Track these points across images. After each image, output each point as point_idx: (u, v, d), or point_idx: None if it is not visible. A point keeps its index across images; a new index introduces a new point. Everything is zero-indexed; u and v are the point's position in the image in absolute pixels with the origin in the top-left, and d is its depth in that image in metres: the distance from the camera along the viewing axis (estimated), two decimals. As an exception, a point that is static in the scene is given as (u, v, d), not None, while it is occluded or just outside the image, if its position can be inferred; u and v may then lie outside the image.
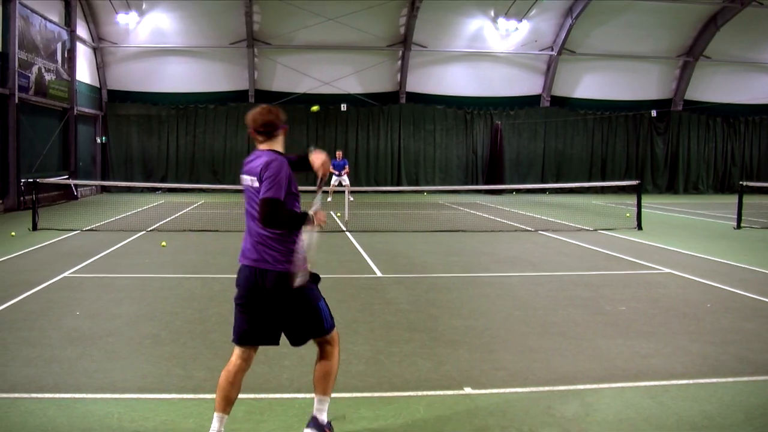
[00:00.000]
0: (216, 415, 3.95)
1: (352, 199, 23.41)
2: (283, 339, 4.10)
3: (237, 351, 3.99)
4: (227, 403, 3.95)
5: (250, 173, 3.87)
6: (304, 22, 27.03)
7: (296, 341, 4.04)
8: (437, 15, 27.63)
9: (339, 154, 24.14)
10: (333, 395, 4.21)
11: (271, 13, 27.23)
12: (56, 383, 5.04)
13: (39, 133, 21.34)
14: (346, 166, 23.57)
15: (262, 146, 3.96)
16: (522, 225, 16.36)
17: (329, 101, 29.00)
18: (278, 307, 3.87)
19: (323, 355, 4.04)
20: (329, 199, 23.07)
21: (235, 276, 4.00)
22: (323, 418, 4.03)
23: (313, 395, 4.10)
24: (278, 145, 3.98)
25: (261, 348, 5.91)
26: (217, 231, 14.64)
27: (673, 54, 30.82)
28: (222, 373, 3.98)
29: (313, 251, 3.92)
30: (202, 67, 28.68)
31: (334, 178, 23.07)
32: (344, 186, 21.86)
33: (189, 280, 9.25)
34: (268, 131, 3.94)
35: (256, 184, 3.80)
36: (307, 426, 4.02)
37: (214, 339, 6.27)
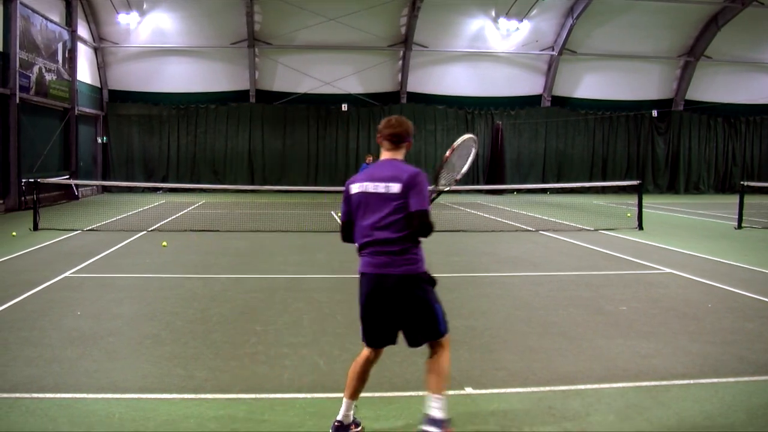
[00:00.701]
0: (344, 401, 4.13)
1: None
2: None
3: (366, 350, 4.16)
4: (353, 392, 4.14)
5: (384, 180, 3.98)
6: (304, 22, 27.04)
7: (413, 342, 4.13)
8: (438, 15, 27.62)
9: (369, 158, 24.12)
10: (335, 395, 4.29)
11: (272, 13, 27.25)
12: (57, 383, 5.04)
13: (40, 133, 21.35)
14: None
15: (388, 154, 4.14)
16: (523, 225, 16.36)
17: (330, 101, 29.03)
18: (399, 309, 4.01)
19: (432, 355, 4.13)
20: None
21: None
22: (439, 415, 3.98)
23: (313, 395, 4.12)
24: (401, 154, 4.17)
25: (262, 348, 5.97)
26: (218, 231, 14.65)
27: (674, 54, 30.81)
28: (352, 364, 4.19)
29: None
30: (203, 67, 28.70)
31: None
32: None
33: (190, 280, 9.26)
34: (398, 141, 4.13)
35: (395, 190, 3.92)
36: (424, 423, 4.00)
37: (215, 339, 6.27)
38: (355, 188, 4.06)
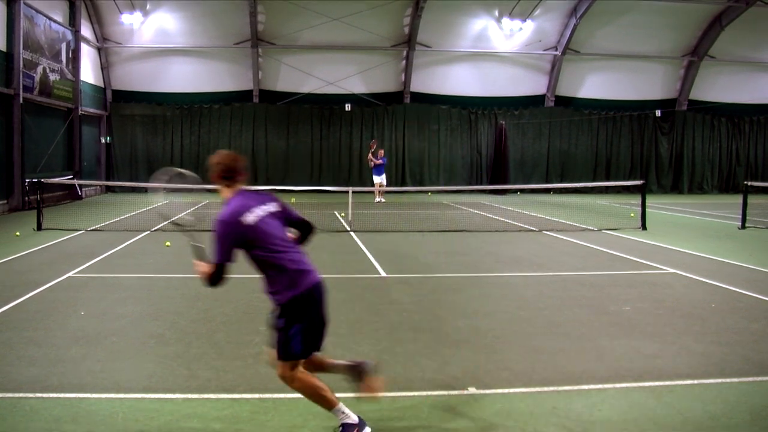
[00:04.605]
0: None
1: (383, 200, 23.92)
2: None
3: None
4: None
5: (271, 203, 4.29)
6: (308, 22, 27.04)
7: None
8: (441, 15, 27.61)
9: (381, 152, 24.35)
10: (339, 395, 4.33)
11: (276, 13, 27.26)
12: (61, 383, 5.05)
13: (43, 134, 21.39)
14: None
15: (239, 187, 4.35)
16: (526, 225, 16.33)
17: (334, 101, 29.04)
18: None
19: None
20: (383, 200, 23.68)
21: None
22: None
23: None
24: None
25: (264, 349, 5.95)
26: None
27: (677, 54, 30.75)
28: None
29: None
30: (206, 67, 28.72)
31: (379, 178, 23.79)
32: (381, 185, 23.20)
33: (193, 280, 9.23)
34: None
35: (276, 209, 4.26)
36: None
37: (218, 339, 6.28)
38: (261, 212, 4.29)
